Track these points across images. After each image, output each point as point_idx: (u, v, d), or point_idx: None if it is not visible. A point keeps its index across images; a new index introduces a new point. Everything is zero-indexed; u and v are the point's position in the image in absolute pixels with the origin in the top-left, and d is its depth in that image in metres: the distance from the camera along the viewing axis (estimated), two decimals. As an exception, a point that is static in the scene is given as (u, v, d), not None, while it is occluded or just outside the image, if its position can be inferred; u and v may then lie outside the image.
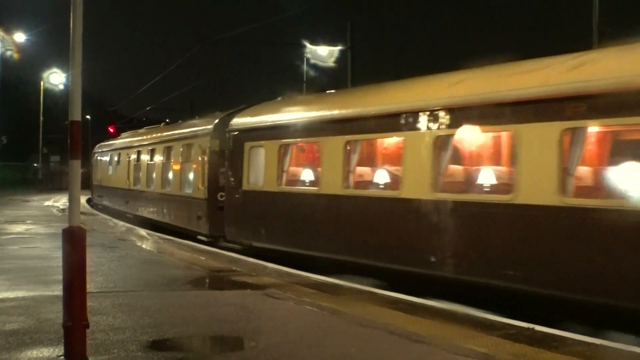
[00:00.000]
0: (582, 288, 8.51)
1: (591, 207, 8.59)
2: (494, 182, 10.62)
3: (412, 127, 11.24)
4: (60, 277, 6.92)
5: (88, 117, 73.84)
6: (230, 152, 17.08)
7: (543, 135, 9.15)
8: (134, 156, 28.61)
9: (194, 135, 20.79)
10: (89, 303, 7.07)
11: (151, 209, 25.24)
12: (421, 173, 10.93)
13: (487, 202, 10.13)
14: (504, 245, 9.58)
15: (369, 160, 13.61)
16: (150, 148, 26.10)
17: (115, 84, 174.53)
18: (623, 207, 8.25)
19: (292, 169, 15.06)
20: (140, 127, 34.18)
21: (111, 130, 57.18)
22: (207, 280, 12.12)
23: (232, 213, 16.84)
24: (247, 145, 16.24)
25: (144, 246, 17.87)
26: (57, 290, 8.10)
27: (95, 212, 32.99)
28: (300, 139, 14.79)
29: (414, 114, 11.22)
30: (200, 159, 19.64)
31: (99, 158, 38.24)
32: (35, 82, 64.92)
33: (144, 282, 11.58)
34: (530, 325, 8.08)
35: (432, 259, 10.60)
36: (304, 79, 41.76)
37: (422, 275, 10.81)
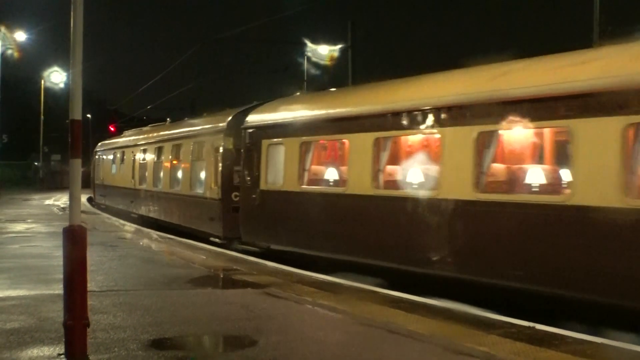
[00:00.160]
0: None
1: None
2: (544, 181, 9.82)
3: (451, 122, 10.48)
4: (61, 275, 6.93)
5: (89, 115, 73.92)
6: (246, 150, 16.28)
7: (603, 131, 8.35)
8: (139, 155, 27.74)
9: (206, 133, 19.92)
10: (89, 302, 7.08)
11: (158, 209, 24.42)
12: (462, 172, 10.17)
13: (536, 204, 9.29)
14: (557, 250, 8.79)
15: (401, 158, 12.54)
16: (157, 146, 25.20)
17: (115, 83, 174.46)
18: None
19: (315, 167, 14.26)
20: (141, 126, 33.91)
21: (112, 129, 57.15)
22: (208, 279, 12.12)
23: (248, 214, 16.00)
24: (265, 142, 15.46)
25: (144, 245, 17.86)
26: (58, 289, 8.10)
27: (97, 211, 32.99)
28: (325, 135, 14.01)
29: (454, 108, 10.46)
30: (212, 157, 18.87)
31: (101, 157, 37.30)
32: (36, 81, 65.04)
33: (145, 281, 11.59)
34: (531, 324, 8.09)
35: (478, 265, 9.82)
36: (305, 78, 41.77)
37: (468, 282, 10.01)
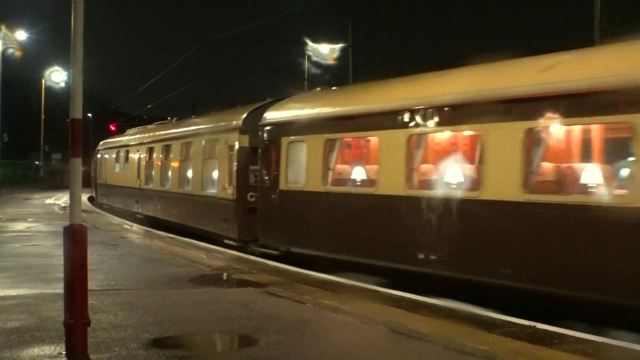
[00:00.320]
0: None
1: None
2: (602, 181, 8.95)
3: (494, 118, 9.78)
4: (62, 274, 6.94)
5: (89, 115, 73.94)
6: (264, 148, 15.40)
7: None
8: (145, 153, 26.74)
9: (219, 130, 18.94)
10: (90, 301, 7.09)
11: (166, 210, 23.48)
12: (508, 171, 9.46)
13: (592, 205, 8.51)
14: (617, 255, 8.14)
15: (438, 156, 11.76)
16: (164, 144, 24.21)
17: (116, 82, 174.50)
18: None
19: (340, 166, 13.46)
20: (141, 125, 33.73)
21: (112, 128, 57.15)
22: (208, 278, 12.11)
23: (267, 215, 15.11)
24: (285, 140, 14.58)
25: (145, 244, 17.86)
26: (59, 288, 8.10)
27: (97, 210, 32.98)
28: (352, 132, 13.16)
29: (498, 103, 9.77)
30: (226, 155, 17.95)
31: (104, 155, 36.16)
32: (37, 80, 65.10)
33: (145, 280, 11.59)
34: (532, 323, 8.08)
35: (528, 271, 9.13)
36: (306, 77, 41.80)
37: (522, 291, 9.25)
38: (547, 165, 9.68)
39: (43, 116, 64.66)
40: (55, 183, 60.27)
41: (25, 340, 7.31)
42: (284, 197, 14.47)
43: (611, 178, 9.03)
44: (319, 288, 10.74)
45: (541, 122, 9.24)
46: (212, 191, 19.04)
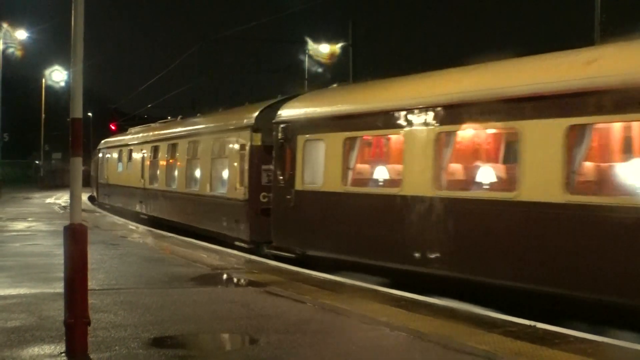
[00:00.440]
0: None
1: None
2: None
3: (533, 114, 9.19)
4: (62, 274, 6.94)
5: (89, 114, 73.94)
6: (279, 147, 14.76)
7: None
8: (149, 152, 25.96)
9: (230, 129, 18.30)
10: (90, 300, 7.09)
11: (173, 211, 22.79)
12: (548, 170, 8.88)
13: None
14: None
15: (470, 155, 11.27)
16: (170, 143, 23.46)
17: (116, 82, 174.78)
18: None
19: (361, 166, 12.95)
20: (142, 124, 33.59)
21: (113, 127, 57.16)
22: (209, 278, 12.11)
23: (281, 217, 14.56)
24: (301, 138, 14.00)
25: (145, 243, 17.87)
26: (59, 288, 8.10)
27: (98, 209, 32.97)
28: (374, 130, 12.51)
29: (537, 99, 9.15)
30: (237, 154, 17.33)
31: (105, 155, 35.35)
32: (37, 80, 65.08)
33: (146, 280, 11.59)
34: (532, 323, 8.07)
35: (572, 278, 8.60)
36: (306, 77, 41.80)
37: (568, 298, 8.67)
38: (590, 165, 9.20)
39: (43, 115, 64.67)
40: (56, 182, 60.31)
41: (25, 339, 7.31)
42: (300, 198, 13.92)
43: None
44: (319, 288, 10.74)
45: (586, 118, 8.68)
46: (221, 191, 18.50)
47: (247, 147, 16.68)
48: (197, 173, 20.63)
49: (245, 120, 17.27)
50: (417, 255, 10.80)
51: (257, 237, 15.91)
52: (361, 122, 12.56)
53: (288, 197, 14.14)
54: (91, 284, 8.01)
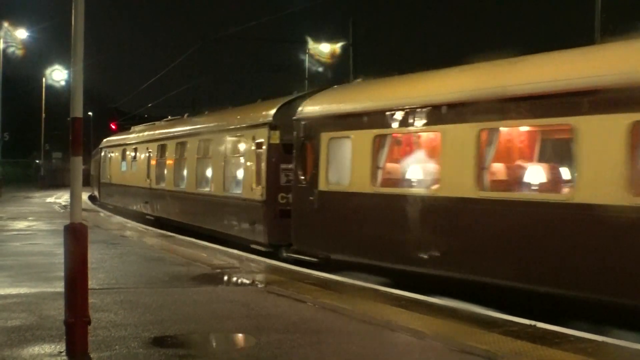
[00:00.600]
0: None
1: None
2: None
3: (589, 110, 8.45)
4: (62, 273, 6.94)
5: (90, 113, 73.95)
6: (300, 145, 14.02)
7: None
8: (155, 151, 25.03)
9: (245, 126, 17.46)
10: (90, 300, 7.09)
11: (180, 212, 21.99)
12: (608, 170, 8.22)
13: None
14: None
15: (514, 153, 10.70)
16: (179, 141, 22.53)
17: (116, 81, 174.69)
18: None
19: (392, 165, 12.13)
20: (142, 124, 33.45)
21: (113, 126, 57.17)
22: (209, 277, 12.10)
23: (303, 219, 13.75)
24: (325, 136, 13.17)
25: (145, 243, 17.85)
26: (59, 287, 8.10)
27: (98, 208, 32.95)
28: (406, 127, 11.51)
29: (592, 93, 8.42)
30: (253, 153, 16.51)
31: (108, 154, 34.38)
32: (38, 79, 65.13)
33: (146, 279, 11.59)
34: (532, 322, 8.07)
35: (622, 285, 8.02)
36: (306, 76, 41.82)
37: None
38: None
39: (44, 115, 64.66)
40: (56, 182, 60.26)
41: (25, 339, 7.31)
42: (323, 199, 13.11)
43: None
44: (320, 287, 10.74)
45: None
46: (236, 192, 17.61)
47: (265, 145, 15.93)
48: (209, 172, 19.76)
49: (262, 117, 16.53)
50: (459, 259, 10.12)
51: (276, 240, 15.24)
52: (392, 118, 11.70)
53: (310, 198, 13.38)
54: (91, 283, 8.01)
